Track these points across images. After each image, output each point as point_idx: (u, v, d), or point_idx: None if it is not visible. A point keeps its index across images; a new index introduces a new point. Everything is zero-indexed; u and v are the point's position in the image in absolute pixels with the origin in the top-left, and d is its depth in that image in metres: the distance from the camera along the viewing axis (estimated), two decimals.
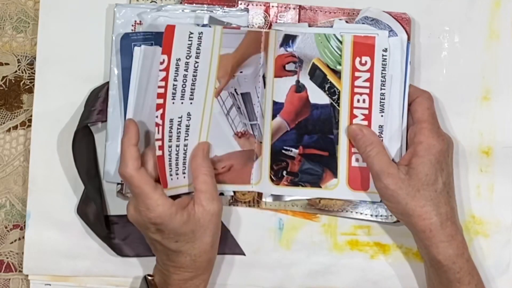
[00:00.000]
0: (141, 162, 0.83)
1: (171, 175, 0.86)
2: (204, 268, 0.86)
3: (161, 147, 0.84)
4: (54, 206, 0.93)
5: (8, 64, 0.95)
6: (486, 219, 0.92)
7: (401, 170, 0.85)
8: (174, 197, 0.85)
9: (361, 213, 0.91)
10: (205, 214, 0.84)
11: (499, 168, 0.93)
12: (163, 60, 0.83)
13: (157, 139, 0.84)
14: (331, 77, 0.88)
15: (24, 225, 0.93)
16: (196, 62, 0.86)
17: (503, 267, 0.92)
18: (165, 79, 0.84)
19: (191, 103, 0.87)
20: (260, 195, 0.92)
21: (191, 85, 0.86)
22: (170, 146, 0.85)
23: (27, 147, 0.94)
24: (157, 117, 0.84)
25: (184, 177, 0.87)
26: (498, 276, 0.92)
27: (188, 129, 0.87)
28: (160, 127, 0.84)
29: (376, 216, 0.91)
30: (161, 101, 0.84)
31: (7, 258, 0.94)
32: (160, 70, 0.84)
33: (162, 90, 0.84)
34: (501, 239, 0.92)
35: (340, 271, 0.93)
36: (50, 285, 0.93)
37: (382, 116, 0.88)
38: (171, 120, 0.85)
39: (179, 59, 0.85)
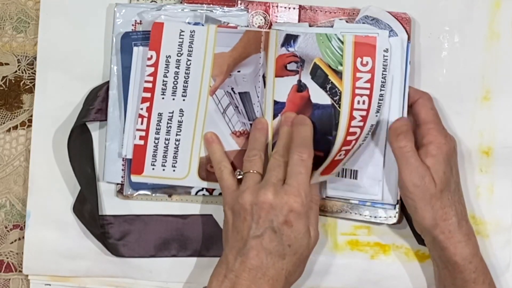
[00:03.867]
0: None
1: (153, 164, 0.89)
2: None
3: (144, 137, 0.88)
4: (54, 206, 0.93)
5: (8, 64, 0.95)
6: (486, 219, 0.92)
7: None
8: None
9: (360, 214, 0.91)
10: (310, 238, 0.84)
11: (499, 168, 0.93)
12: (151, 56, 0.88)
13: (139, 129, 0.88)
14: (332, 78, 0.88)
15: (24, 225, 0.93)
16: (188, 60, 0.88)
17: (503, 267, 0.92)
18: (153, 74, 0.88)
19: (183, 99, 0.88)
20: None
21: (184, 82, 0.88)
22: (157, 139, 0.88)
23: (27, 147, 0.94)
24: (141, 109, 0.88)
25: (174, 170, 0.89)
26: (498, 276, 0.92)
27: (181, 125, 0.89)
28: (145, 119, 0.88)
29: (375, 217, 0.91)
30: (148, 95, 0.88)
31: (7, 258, 0.94)
32: (148, 66, 0.88)
33: (149, 85, 0.88)
34: (501, 239, 0.92)
35: (340, 271, 0.93)
36: (50, 285, 0.93)
37: (376, 116, 0.87)
38: (160, 114, 0.88)
39: (169, 56, 0.88)
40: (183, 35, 0.88)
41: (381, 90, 0.87)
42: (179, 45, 0.88)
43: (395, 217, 0.90)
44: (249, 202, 0.82)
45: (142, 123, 0.88)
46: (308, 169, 0.83)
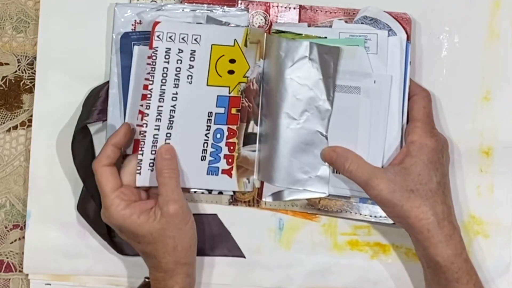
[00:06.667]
0: (121, 164, 0.87)
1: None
2: (172, 270, 0.85)
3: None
4: (54, 206, 0.93)
5: (8, 64, 0.95)
6: (486, 219, 0.92)
7: (390, 171, 0.85)
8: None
9: (360, 214, 0.91)
10: (162, 217, 0.84)
11: (499, 168, 0.93)
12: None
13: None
14: None
15: (24, 225, 0.93)
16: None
17: (503, 267, 0.92)
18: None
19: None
20: (260, 195, 0.92)
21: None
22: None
23: (27, 147, 0.94)
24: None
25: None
26: (498, 277, 0.92)
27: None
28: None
29: (375, 217, 0.91)
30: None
31: (7, 258, 0.94)
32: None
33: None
34: (501, 240, 0.92)
35: (340, 271, 0.93)
36: (50, 284, 0.93)
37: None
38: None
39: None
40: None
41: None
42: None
43: None
44: None
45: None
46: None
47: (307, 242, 0.93)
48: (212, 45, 0.87)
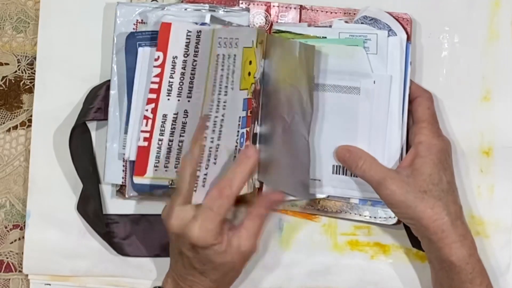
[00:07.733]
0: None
1: (155, 166, 0.87)
2: None
3: (148, 139, 0.87)
4: (54, 206, 0.93)
5: (8, 64, 0.95)
6: (486, 219, 0.92)
7: (402, 172, 0.85)
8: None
9: (360, 215, 0.91)
10: (238, 252, 0.82)
11: (499, 168, 0.93)
12: (158, 56, 0.86)
13: (144, 131, 0.87)
14: None
15: (24, 225, 0.93)
16: (195, 61, 0.87)
17: (503, 268, 0.92)
18: (160, 75, 0.87)
19: (188, 101, 0.87)
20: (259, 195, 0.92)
21: (189, 84, 0.87)
22: (161, 140, 0.87)
23: (27, 147, 0.94)
24: (147, 110, 0.87)
25: (177, 171, 0.88)
26: (498, 277, 0.92)
27: (185, 126, 0.88)
28: (150, 120, 0.87)
29: (375, 217, 0.91)
30: (153, 96, 0.87)
31: (7, 258, 0.94)
32: (155, 67, 0.86)
33: (155, 86, 0.87)
34: (501, 240, 0.92)
35: (340, 271, 0.93)
36: (50, 285, 0.93)
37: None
38: (165, 116, 0.87)
39: (176, 57, 0.87)
40: (189, 36, 0.87)
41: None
42: (185, 46, 0.87)
43: (394, 217, 0.90)
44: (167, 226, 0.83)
45: (146, 125, 0.87)
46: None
47: (307, 242, 0.93)
48: (243, 47, 0.85)
